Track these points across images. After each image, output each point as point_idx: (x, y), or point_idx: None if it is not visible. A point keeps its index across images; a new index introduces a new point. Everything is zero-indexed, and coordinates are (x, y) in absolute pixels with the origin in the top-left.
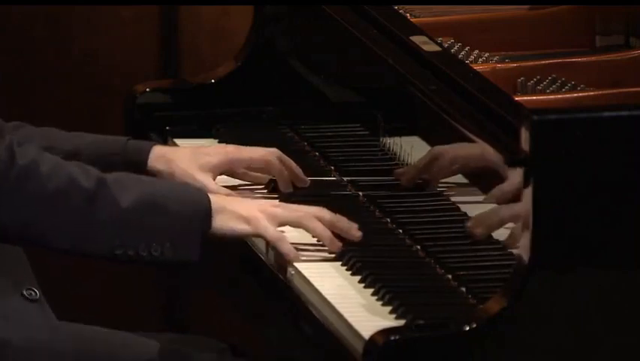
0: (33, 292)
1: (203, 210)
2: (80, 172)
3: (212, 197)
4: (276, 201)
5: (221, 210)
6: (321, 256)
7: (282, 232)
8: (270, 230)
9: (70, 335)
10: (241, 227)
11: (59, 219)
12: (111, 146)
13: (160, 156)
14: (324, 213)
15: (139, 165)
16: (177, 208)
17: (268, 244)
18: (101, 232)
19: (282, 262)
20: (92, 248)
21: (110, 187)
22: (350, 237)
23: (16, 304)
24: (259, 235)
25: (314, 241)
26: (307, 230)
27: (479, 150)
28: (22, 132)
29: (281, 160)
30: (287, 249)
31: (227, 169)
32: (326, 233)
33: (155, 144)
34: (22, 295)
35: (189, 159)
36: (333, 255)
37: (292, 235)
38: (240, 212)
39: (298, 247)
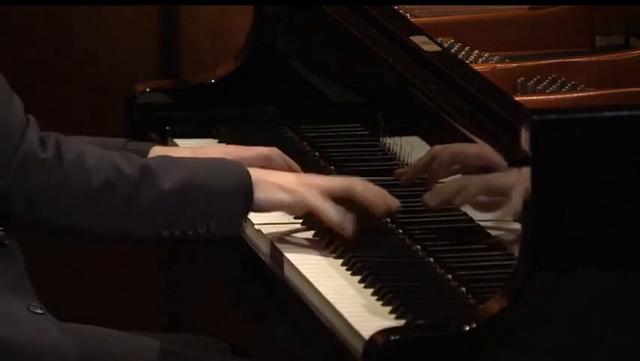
0: (39, 307)
1: (245, 185)
2: (124, 161)
3: (251, 170)
4: (315, 174)
5: (262, 182)
6: (321, 256)
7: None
8: (316, 200)
9: (72, 335)
10: (283, 197)
11: (107, 209)
12: (110, 148)
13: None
14: (364, 182)
15: None
16: (219, 185)
17: (313, 215)
18: (148, 216)
19: (282, 261)
20: (139, 233)
21: (154, 172)
22: (386, 210)
23: (20, 309)
24: (302, 205)
25: (315, 240)
26: (357, 197)
27: (479, 149)
28: None
29: (281, 158)
30: (336, 220)
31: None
32: (379, 197)
33: (153, 145)
34: (29, 310)
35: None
36: (333, 254)
37: (293, 235)
38: (282, 183)
39: (298, 247)
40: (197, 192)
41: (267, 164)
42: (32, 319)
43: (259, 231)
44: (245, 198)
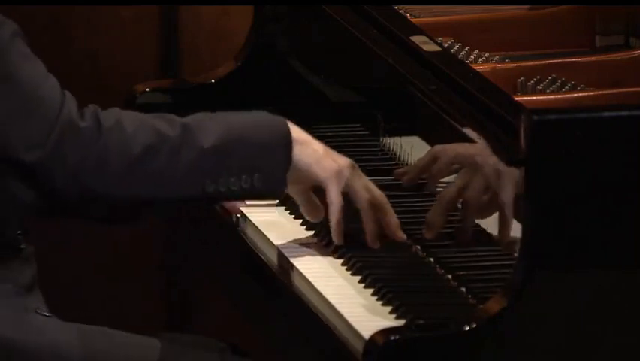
0: (45, 312)
1: (286, 138)
2: (164, 123)
3: (292, 126)
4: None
5: (303, 142)
6: (321, 256)
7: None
8: (335, 196)
9: (73, 335)
10: (315, 169)
11: (151, 173)
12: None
13: None
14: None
15: None
16: (261, 138)
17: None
18: (192, 174)
19: (283, 262)
20: (184, 192)
21: (194, 130)
22: (372, 243)
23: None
24: (323, 186)
25: (315, 240)
26: (363, 217)
27: (479, 150)
28: None
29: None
30: (335, 222)
31: None
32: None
33: None
34: (36, 312)
35: None
36: (333, 254)
37: (293, 235)
38: (320, 152)
39: (298, 247)
40: (240, 145)
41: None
42: (38, 321)
43: (259, 231)
44: (286, 151)
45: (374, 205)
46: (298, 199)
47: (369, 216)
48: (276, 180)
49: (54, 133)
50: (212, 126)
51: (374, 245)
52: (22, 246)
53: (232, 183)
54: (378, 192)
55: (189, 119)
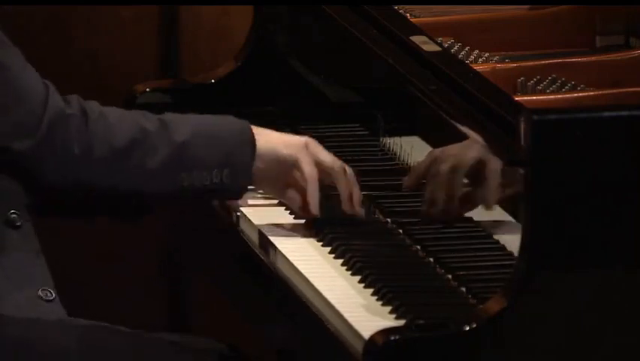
0: (49, 293)
1: (249, 136)
2: (142, 117)
3: (253, 127)
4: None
5: (262, 134)
6: (321, 256)
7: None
8: (310, 167)
9: (73, 329)
10: (283, 150)
11: (133, 165)
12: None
13: None
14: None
15: None
16: (228, 135)
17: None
18: (169, 168)
19: (282, 262)
20: (162, 186)
21: (170, 126)
22: (349, 207)
23: (28, 302)
24: (297, 165)
25: (314, 240)
26: (337, 182)
27: (478, 152)
28: None
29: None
30: (313, 195)
31: None
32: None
33: None
34: (38, 295)
35: None
36: (333, 254)
37: (293, 235)
38: (283, 138)
39: (298, 247)
40: (210, 141)
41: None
42: (38, 305)
43: (259, 230)
44: (251, 148)
45: (345, 171)
46: (282, 198)
47: (343, 181)
48: (243, 175)
49: (44, 121)
50: (185, 123)
51: (353, 210)
52: (19, 223)
53: (205, 177)
54: (343, 163)
55: (164, 115)
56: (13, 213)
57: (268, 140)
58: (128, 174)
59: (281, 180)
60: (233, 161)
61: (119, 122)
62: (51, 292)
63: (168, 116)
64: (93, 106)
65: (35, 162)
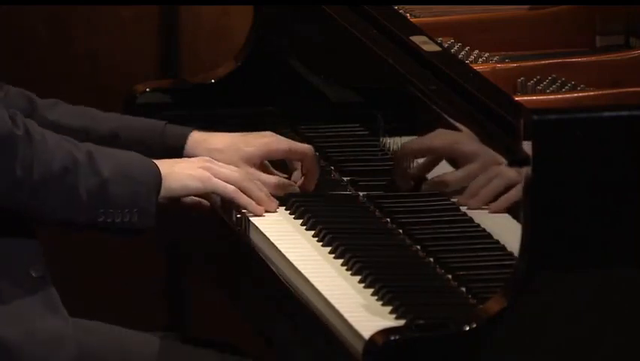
0: (39, 268)
1: (157, 176)
2: (73, 146)
3: (158, 162)
4: (209, 159)
5: (171, 173)
6: (321, 257)
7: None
8: (222, 186)
9: (73, 328)
10: (193, 184)
11: (60, 192)
12: (149, 130)
13: (199, 142)
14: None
15: (177, 151)
16: (140, 176)
17: (223, 201)
18: (89, 201)
19: (283, 262)
20: (80, 217)
21: (96, 159)
22: (269, 205)
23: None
24: (212, 191)
25: (314, 240)
26: (246, 191)
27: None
28: (59, 110)
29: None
30: (245, 201)
31: (267, 159)
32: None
33: (192, 130)
34: (28, 272)
35: (231, 149)
36: (333, 254)
37: (292, 236)
38: (189, 171)
39: (298, 248)
40: (126, 180)
41: (302, 159)
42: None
43: (258, 229)
44: (157, 189)
45: (248, 180)
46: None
47: (252, 188)
48: (149, 217)
49: None
50: (107, 158)
51: (270, 208)
52: None
53: (117, 215)
54: (239, 170)
55: (89, 146)
56: None
57: (174, 178)
58: (58, 201)
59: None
60: (139, 202)
61: (57, 147)
62: (41, 269)
63: (92, 147)
64: (35, 127)
65: None
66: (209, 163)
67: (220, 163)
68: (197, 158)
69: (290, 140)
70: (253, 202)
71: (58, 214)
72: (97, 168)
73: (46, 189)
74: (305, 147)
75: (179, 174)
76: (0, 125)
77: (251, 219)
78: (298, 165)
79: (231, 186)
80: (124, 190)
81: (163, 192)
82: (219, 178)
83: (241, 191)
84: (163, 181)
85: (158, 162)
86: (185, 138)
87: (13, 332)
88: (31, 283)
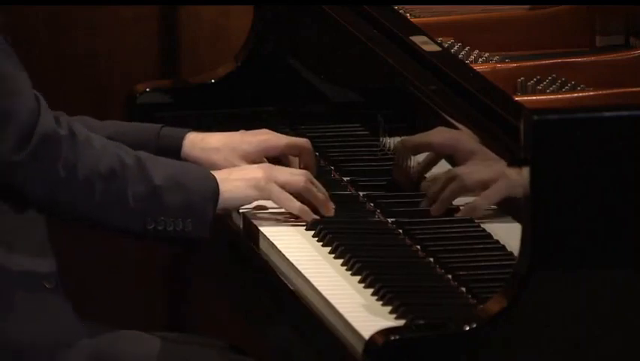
0: (53, 280)
1: (213, 186)
2: (122, 150)
3: (215, 173)
4: (269, 165)
5: (228, 181)
6: (321, 257)
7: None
8: (277, 192)
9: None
10: (250, 193)
11: (107, 195)
12: (145, 133)
13: (195, 143)
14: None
15: (173, 153)
16: (195, 186)
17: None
18: (138, 207)
19: (283, 262)
20: (127, 223)
21: (146, 165)
22: (322, 209)
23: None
24: (267, 198)
25: (314, 241)
26: (308, 193)
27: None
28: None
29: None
30: (298, 208)
31: (265, 156)
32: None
33: (188, 131)
34: (42, 283)
35: (228, 147)
36: (333, 254)
37: (293, 236)
38: (247, 180)
39: (298, 248)
40: (179, 189)
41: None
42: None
43: (259, 230)
44: (214, 199)
45: (310, 182)
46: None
47: (313, 193)
48: (204, 227)
49: (35, 135)
50: (159, 165)
51: (330, 212)
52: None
53: (169, 223)
54: (302, 171)
55: (140, 153)
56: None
57: (231, 190)
58: (102, 203)
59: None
60: (195, 212)
61: (103, 149)
62: (54, 280)
63: (143, 154)
64: (80, 128)
65: (24, 177)
66: (269, 170)
67: (280, 168)
68: (256, 165)
69: (286, 135)
70: (308, 210)
71: (106, 218)
72: (147, 174)
73: (92, 190)
74: (302, 141)
75: (237, 183)
76: (44, 125)
77: (251, 218)
78: (295, 161)
79: (296, 204)
80: (177, 199)
81: (221, 203)
82: (279, 184)
83: (303, 194)
84: (221, 192)
85: (215, 172)
86: (181, 139)
87: (26, 338)
88: (45, 293)
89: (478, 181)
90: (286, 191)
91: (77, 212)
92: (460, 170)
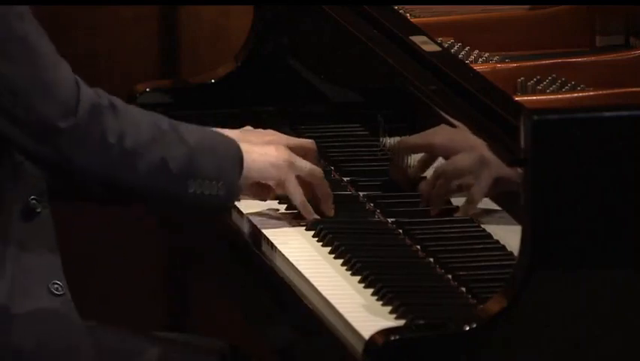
0: (59, 287)
1: (239, 153)
2: (156, 118)
3: (240, 143)
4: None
5: (250, 152)
6: (321, 257)
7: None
8: (293, 180)
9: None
10: (269, 170)
11: (153, 161)
12: None
13: None
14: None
15: None
16: (223, 150)
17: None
18: (179, 171)
19: (283, 262)
20: (171, 188)
21: (180, 129)
22: (326, 206)
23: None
24: (282, 185)
25: (314, 241)
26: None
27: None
28: None
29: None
30: (301, 202)
31: None
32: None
33: None
34: (48, 288)
35: None
36: (333, 254)
37: (293, 236)
38: (269, 159)
39: (298, 248)
40: (210, 152)
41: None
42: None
43: (259, 230)
44: (240, 165)
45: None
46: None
47: (322, 187)
48: (232, 190)
49: (81, 103)
50: (191, 129)
51: (330, 210)
52: (38, 210)
53: (206, 186)
54: (312, 165)
55: (170, 120)
56: (34, 199)
57: (255, 159)
58: (147, 171)
59: (259, 194)
60: (225, 176)
61: (141, 117)
62: (61, 285)
63: (173, 121)
64: (118, 100)
65: (73, 144)
66: (290, 154)
67: (299, 157)
68: (276, 146)
69: (291, 137)
70: (309, 206)
71: (151, 187)
72: (182, 138)
73: (138, 158)
74: (308, 142)
75: (260, 157)
76: (87, 95)
77: (251, 218)
78: None
79: (301, 198)
80: (210, 161)
81: (244, 172)
82: (298, 169)
83: (315, 184)
84: (245, 160)
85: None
86: None
87: (29, 343)
88: (51, 299)
89: (461, 168)
90: (302, 178)
91: (124, 182)
92: (445, 164)
